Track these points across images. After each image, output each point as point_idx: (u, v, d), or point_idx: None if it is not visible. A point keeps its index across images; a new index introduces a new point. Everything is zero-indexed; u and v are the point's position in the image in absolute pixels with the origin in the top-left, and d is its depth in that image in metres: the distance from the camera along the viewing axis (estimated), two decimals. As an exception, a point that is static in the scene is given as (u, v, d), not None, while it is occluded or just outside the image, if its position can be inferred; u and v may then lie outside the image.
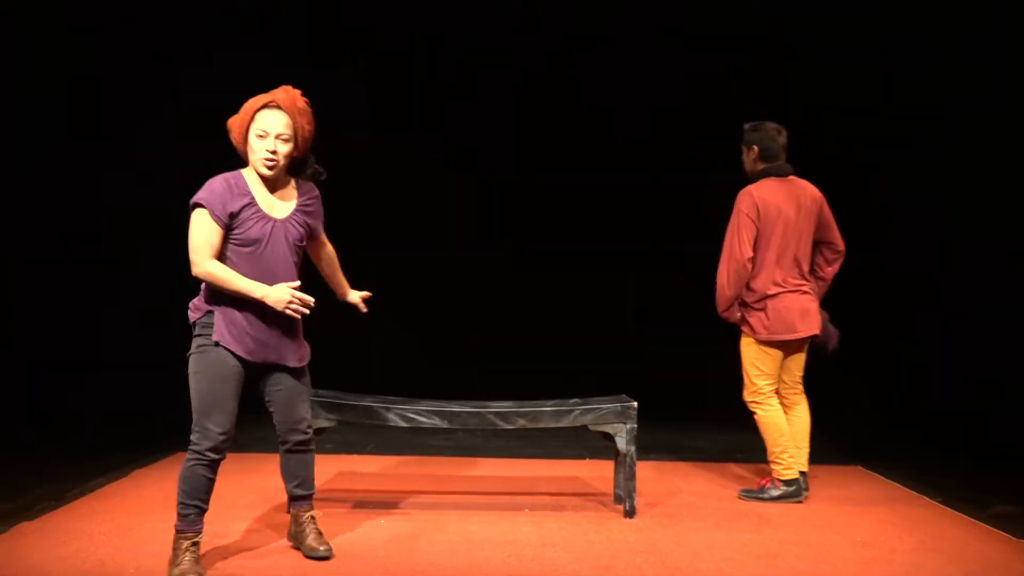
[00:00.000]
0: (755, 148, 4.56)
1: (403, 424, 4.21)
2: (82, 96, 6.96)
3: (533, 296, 7.75)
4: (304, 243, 3.49)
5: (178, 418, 6.41)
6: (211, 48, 6.97)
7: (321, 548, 3.54)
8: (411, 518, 4.15)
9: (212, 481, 3.35)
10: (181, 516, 3.31)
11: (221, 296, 3.31)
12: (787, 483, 4.52)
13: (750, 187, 4.54)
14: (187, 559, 3.28)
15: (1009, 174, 7.01)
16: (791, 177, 4.56)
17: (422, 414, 4.20)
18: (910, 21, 6.93)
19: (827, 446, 6.08)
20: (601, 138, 7.61)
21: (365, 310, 3.85)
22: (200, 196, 3.28)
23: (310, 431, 3.61)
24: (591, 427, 4.26)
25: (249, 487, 4.60)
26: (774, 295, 4.47)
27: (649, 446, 5.61)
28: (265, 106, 3.32)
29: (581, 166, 7.68)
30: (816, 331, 4.53)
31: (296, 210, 3.43)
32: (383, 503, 4.41)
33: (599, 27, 7.43)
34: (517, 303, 7.72)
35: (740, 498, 4.61)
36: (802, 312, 4.50)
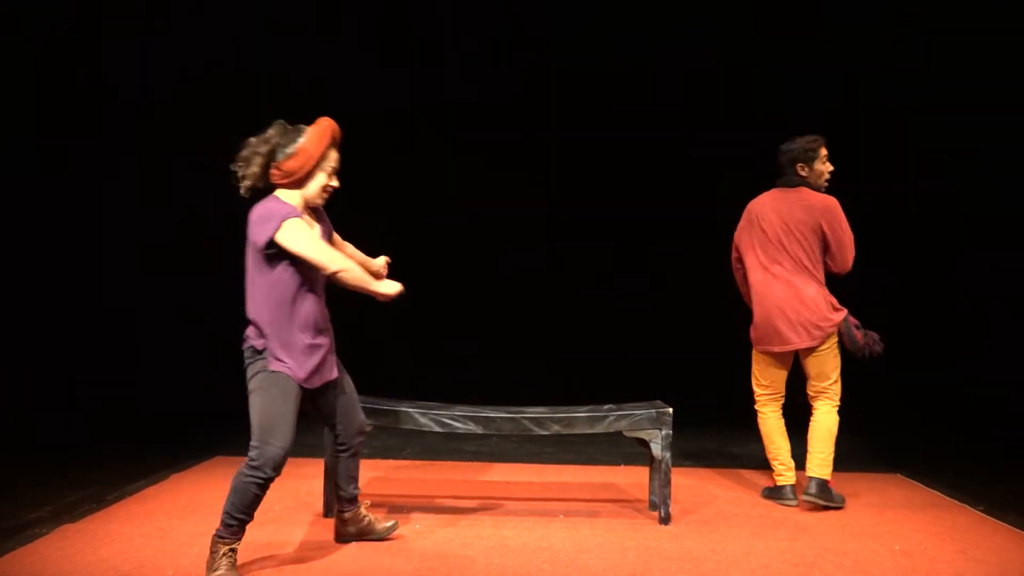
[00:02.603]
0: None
1: (439, 429, 4.23)
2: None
3: (569, 300, 7.75)
4: None
5: (216, 423, 6.53)
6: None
7: (388, 523, 3.90)
8: (446, 523, 4.16)
9: (261, 499, 3.39)
10: (226, 525, 3.34)
11: (274, 328, 3.37)
12: (777, 487, 4.67)
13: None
14: (224, 564, 3.32)
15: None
16: (800, 188, 4.58)
17: (457, 419, 4.21)
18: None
19: (867, 453, 6.02)
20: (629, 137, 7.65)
21: (384, 268, 3.86)
22: (284, 211, 3.33)
23: (361, 436, 3.81)
24: (626, 433, 4.25)
25: (288, 490, 4.65)
26: (760, 300, 4.58)
27: (684, 452, 5.58)
28: (333, 140, 3.49)
29: (615, 163, 7.70)
30: (812, 343, 4.47)
31: (322, 228, 3.59)
32: (418, 507, 4.43)
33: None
34: (553, 307, 7.73)
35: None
36: (792, 324, 4.47)
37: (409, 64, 7.51)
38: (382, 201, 7.30)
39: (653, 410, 4.23)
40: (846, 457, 5.86)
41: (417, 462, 5.54)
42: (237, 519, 3.34)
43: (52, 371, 6.99)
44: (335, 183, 3.50)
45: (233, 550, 3.36)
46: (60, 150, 7.04)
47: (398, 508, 4.41)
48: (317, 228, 3.53)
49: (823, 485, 4.49)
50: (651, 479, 4.44)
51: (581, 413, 4.28)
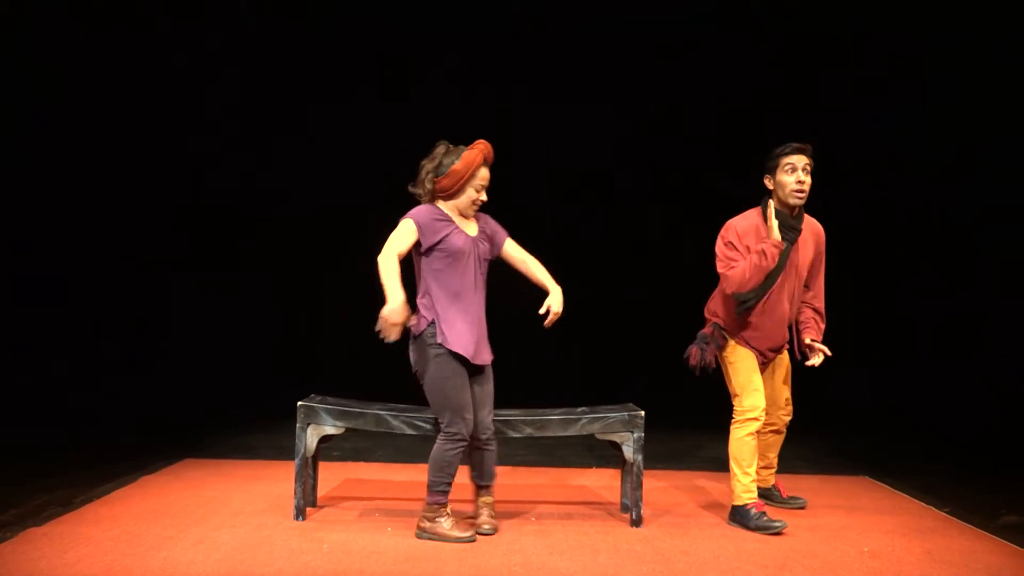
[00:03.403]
0: None
1: (411, 432, 4.22)
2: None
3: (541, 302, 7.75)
4: (490, 257, 4.14)
5: (187, 425, 6.47)
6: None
7: (485, 526, 4.05)
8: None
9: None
10: (441, 492, 3.92)
11: (441, 307, 3.93)
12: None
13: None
14: (450, 520, 3.92)
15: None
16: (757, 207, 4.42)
17: (430, 421, 4.20)
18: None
19: (834, 456, 6.07)
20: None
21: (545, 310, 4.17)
22: (412, 211, 3.95)
23: (491, 430, 4.09)
24: (598, 436, 4.26)
25: (259, 492, 4.62)
26: None
27: (656, 455, 5.60)
28: (484, 162, 3.98)
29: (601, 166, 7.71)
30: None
31: (480, 232, 4.09)
32: (390, 511, 4.42)
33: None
34: (524, 309, 7.72)
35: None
36: None
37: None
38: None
39: (625, 413, 4.25)
40: (813, 460, 5.93)
41: (389, 465, 5.52)
42: (447, 484, 3.94)
43: (21, 371, 6.90)
44: (484, 197, 4.03)
45: (448, 511, 3.96)
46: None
47: (370, 511, 4.40)
48: (474, 229, 4.05)
49: (731, 511, 4.32)
50: (623, 481, 4.46)
51: (554, 416, 4.29)
